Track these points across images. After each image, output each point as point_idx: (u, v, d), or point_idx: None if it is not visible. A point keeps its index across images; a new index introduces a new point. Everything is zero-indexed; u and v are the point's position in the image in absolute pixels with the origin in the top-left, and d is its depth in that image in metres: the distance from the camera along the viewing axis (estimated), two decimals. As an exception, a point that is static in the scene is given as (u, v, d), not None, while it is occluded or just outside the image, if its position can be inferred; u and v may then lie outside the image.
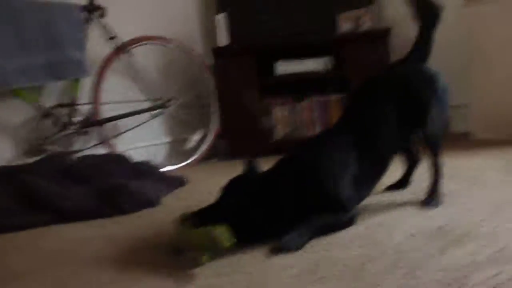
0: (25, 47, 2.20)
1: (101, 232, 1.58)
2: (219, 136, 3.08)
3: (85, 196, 1.85)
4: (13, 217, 1.73)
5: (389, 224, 1.32)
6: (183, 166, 2.80)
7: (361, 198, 1.43)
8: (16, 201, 1.80)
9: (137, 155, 2.66)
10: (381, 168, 1.46)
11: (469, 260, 0.99)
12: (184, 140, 2.99)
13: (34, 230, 1.69)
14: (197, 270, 1.09)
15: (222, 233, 1.13)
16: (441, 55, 2.98)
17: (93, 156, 2.28)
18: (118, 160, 2.27)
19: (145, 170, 2.22)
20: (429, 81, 1.48)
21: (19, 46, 2.18)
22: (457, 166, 1.95)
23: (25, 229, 1.69)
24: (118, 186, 1.84)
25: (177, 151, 3.06)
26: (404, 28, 3.22)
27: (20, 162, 2.25)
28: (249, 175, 1.34)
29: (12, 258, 1.36)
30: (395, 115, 1.44)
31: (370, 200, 1.59)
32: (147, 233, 1.50)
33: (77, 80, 2.44)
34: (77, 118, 2.47)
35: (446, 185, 1.71)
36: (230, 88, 3.06)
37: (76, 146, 2.51)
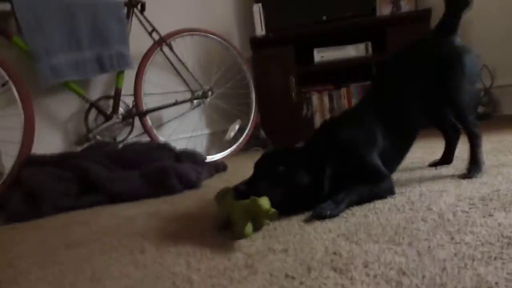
0: (77, 43, 2.32)
1: (148, 209, 1.63)
2: (258, 127, 3.10)
3: (133, 178, 1.91)
4: (72, 199, 1.84)
5: (431, 194, 1.27)
6: (223, 156, 2.84)
7: (390, 171, 1.40)
8: (73, 183, 1.89)
9: (178, 146, 2.73)
10: (406, 142, 1.46)
11: (516, 221, 0.94)
12: (224, 131, 3.03)
13: (91, 209, 1.80)
14: (242, 241, 1.10)
15: (265, 203, 1.13)
16: (496, 33, 2.88)
17: (138, 143, 2.35)
18: (161, 148, 2.33)
19: (187, 156, 2.26)
20: (456, 53, 1.43)
21: (72, 42, 2.31)
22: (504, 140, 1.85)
23: (83, 209, 1.82)
24: (163, 169, 1.89)
25: (216, 141, 3.11)
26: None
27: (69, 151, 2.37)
28: (282, 149, 1.34)
29: (73, 231, 1.48)
30: (420, 87, 1.42)
31: (413, 174, 1.55)
32: (191, 210, 1.53)
33: (121, 73, 2.53)
34: (120, 110, 2.57)
35: (495, 158, 1.63)
36: (269, 78, 3.07)
37: (120, 137, 2.61)
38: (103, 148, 2.14)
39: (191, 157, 2.23)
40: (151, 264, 1.02)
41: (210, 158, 2.73)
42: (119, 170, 1.99)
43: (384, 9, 3.10)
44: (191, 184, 1.89)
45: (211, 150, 3.11)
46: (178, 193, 1.86)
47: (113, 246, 1.21)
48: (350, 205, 1.22)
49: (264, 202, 1.14)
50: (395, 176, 1.50)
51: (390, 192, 1.30)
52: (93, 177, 1.85)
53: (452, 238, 0.90)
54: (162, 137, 2.65)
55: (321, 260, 0.89)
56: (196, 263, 0.98)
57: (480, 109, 2.93)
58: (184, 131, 2.92)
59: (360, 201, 1.24)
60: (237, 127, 3.02)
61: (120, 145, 2.42)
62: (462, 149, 1.60)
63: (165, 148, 2.35)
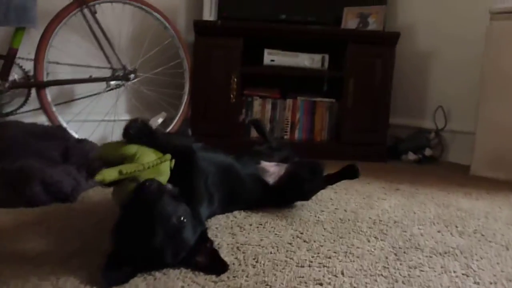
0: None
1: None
2: (186, 124, 2.69)
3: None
4: None
5: None
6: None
7: None
8: None
9: (83, 130, 2.27)
10: None
11: None
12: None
13: None
14: None
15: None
16: (457, 72, 2.69)
17: (21, 124, 1.87)
18: (51, 134, 1.87)
19: (80, 152, 1.81)
20: None
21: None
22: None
23: None
24: (25, 171, 1.45)
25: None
26: (413, 37, 2.90)
27: None
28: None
29: None
30: None
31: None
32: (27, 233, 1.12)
33: (20, 30, 2.02)
34: (14, 75, 2.07)
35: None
36: (209, 71, 2.66)
37: (7, 108, 2.11)
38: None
39: (83, 156, 1.78)
40: None
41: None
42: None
43: (350, 22, 2.78)
44: (62, 196, 1.46)
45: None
46: (42, 205, 1.43)
47: None
48: None
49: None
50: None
51: None
52: None
53: None
54: (62, 118, 2.18)
55: None
56: None
57: (427, 152, 2.71)
58: (94, 114, 2.44)
59: None
60: (160, 120, 2.60)
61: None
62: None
63: (56, 135, 1.90)
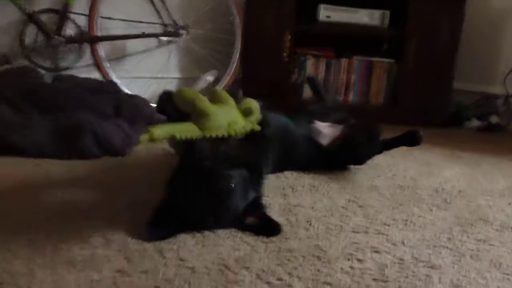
0: None
1: (37, 173, 1.25)
2: (237, 84, 2.63)
3: (41, 129, 1.48)
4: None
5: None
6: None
7: None
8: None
9: (134, 86, 2.27)
10: None
11: None
12: (195, 79, 2.56)
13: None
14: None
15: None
16: None
17: (74, 78, 1.89)
18: (102, 89, 1.87)
19: (131, 108, 1.80)
20: None
21: None
22: None
23: None
24: (78, 125, 1.46)
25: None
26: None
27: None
28: None
29: None
30: None
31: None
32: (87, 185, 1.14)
33: (74, -16, 2.02)
34: (69, 31, 2.08)
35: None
36: (261, 29, 2.55)
37: (64, 63, 2.14)
38: (22, 78, 1.67)
39: (135, 111, 1.77)
40: None
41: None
42: (33, 112, 1.55)
43: (415, -26, 2.54)
44: (113, 150, 1.46)
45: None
46: (94, 159, 1.44)
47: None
48: None
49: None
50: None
51: None
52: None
53: None
54: (115, 74, 2.18)
55: None
56: None
57: (493, 119, 2.50)
58: (145, 71, 2.42)
59: None
60: (211, 78, 2.55)
61: (56, 75, 1.96)
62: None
63: (109, 90, 1.90)
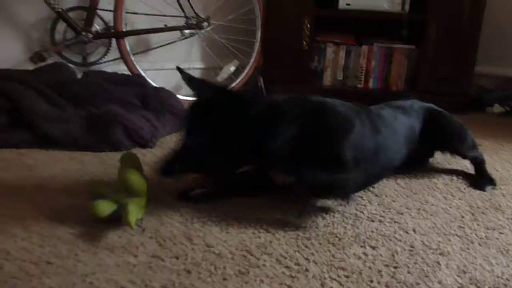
0: None
1: (72, 167, 1.34)
2: (258, 72, 2.69)
3: (75, 121, 1.59)
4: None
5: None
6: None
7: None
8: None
9: (159, 78, 2.35)
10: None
11: None
12: (218, 69, 2.63)
13: (14, 150, 1.48)
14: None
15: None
16: None
17: (102, 73, 1.99)
18: (130, 82, 1.97)
19: (158, 100, 1.89)
20: None
21: None
22: None
23: (5, 147, 1.49)
24: (108, 116, 1.55)
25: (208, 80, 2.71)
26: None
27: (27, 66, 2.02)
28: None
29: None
30: None
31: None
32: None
33: (100, -19, 2.10)
34: (96, 27, 2.17)
35: None
36: (281, 18, 2.59)
37: (91, 58, 2.24)
38: (55, 74, 1.78)
39: (161, 103, 1.86)
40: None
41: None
42: (67, 105, 1.66)
43: (437, -42, 2.51)
44: (142, 142, 1.55)
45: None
46: (125, 150, 1.53)
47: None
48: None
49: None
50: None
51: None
52: (24, 109, 1.51)
53: None
54: (141, 67, 2.27)
55: None
56: None
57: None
58: (170, 62, 2.50)
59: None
60: (232, 68, 2.62)
61: (85, 70, 2.06)
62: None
63: (136, 83, 2.00)
